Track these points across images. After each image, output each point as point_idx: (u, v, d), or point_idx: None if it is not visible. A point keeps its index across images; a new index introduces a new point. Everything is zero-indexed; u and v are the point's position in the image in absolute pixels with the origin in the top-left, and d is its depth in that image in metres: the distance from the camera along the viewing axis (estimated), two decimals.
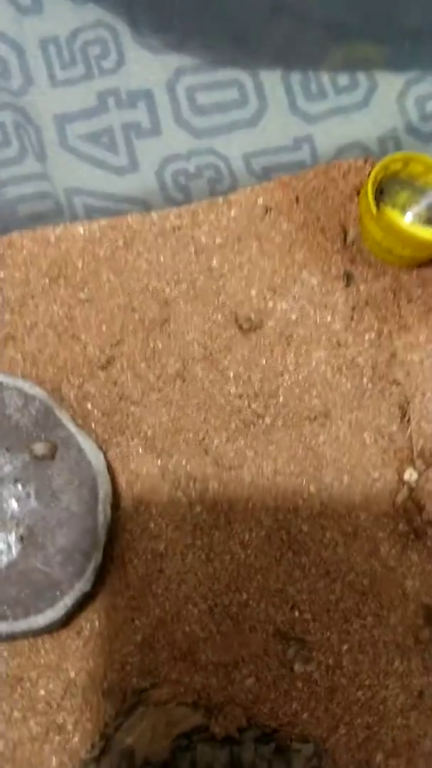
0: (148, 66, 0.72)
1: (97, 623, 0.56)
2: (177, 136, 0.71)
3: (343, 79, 0.74)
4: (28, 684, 0.54)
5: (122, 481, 0.59)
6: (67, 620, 0.54)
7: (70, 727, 0.54)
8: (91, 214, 0.68)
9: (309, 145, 0.72)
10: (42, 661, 0.54)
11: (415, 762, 0.58)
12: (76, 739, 0.54)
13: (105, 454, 0.58)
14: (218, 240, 0.64)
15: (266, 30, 0.73)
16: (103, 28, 0.71)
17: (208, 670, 0.57)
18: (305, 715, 0.57)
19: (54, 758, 0.53)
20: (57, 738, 0.54)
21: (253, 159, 0.72)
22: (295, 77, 0.74)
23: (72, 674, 0.54)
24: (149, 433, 0.60)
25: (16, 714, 0.53)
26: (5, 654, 0.54)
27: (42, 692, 0.54)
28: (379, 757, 0.58)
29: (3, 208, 0.64)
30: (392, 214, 0.64)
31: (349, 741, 0.57)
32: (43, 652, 0.55)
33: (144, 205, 0.69)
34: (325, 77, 0.74)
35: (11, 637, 0.52)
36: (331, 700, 0.57)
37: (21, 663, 0.54)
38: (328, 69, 0.74)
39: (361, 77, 0.74)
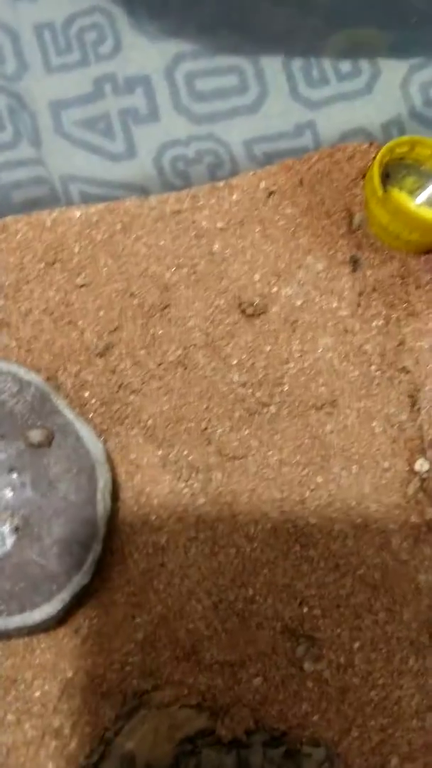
0: (145, 52, 0.70)
1: (95, 620, 0.53)
2: (176, 122, 0.69)
3: (346, 66, 0.73)
4: (22, 686, 0.51)
5: (122, 472, 0.56)
6: (64, 616, 0.51)
7: (67, 731, 0.51)
8: (87, 200, 0.66)
9: (311, 131, 0.70)
10: (37, 661, 0.51)
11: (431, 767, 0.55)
12: (73, 743, 0.51)
13: (104, 444, 0.55)
14: (220, 224, 0.61)
15: (266, 16, 0.72)
16: (100, 14, 0.69)
17: (213, 670, 0.54)
18: (316, 717, 0.54)
19: (50, 764, 0.50)
20: (53, 743, 0.50)
21: (254, 145, 0.70)
22: (297, 63, 0.72)
23: (69, 674, 0.51)
24: (150, 422, 0.57)
25: (9, 717, 0.50)
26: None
27: (37, 694, 0.51)
28: (395, 761, 0.54)
29: None
30: (400, 196, 0.62)
31: (363, 744, 0.54)
32: (38, 651, 0.52)
33: (142, 191, 0.67)
34: (327, 63, 0.73)
35: (5, 635, 0.49)
36: (343, 700, 0.54)
37: (15, 663, 0.51)
38: (329, 55, 0.72)
39: (364, 64, 0.73)
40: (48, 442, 0.52)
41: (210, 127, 0.70)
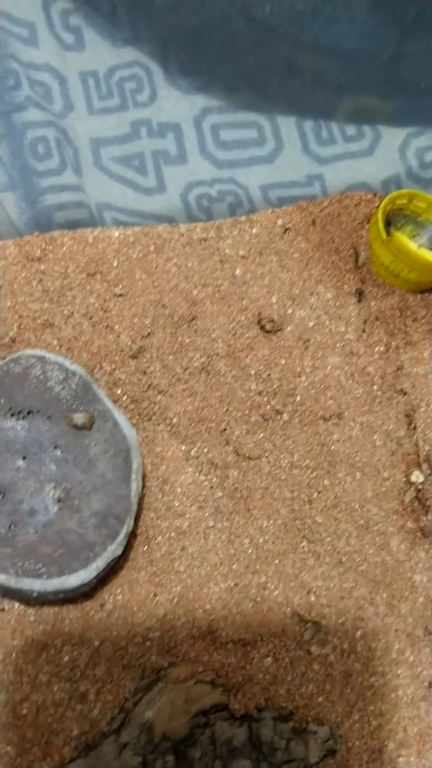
0: (177, 103, 0.79)
1: (120, 597, 0.57)
2: (201, 165, 0.77)
3: (351, 129, 0.83)
4: (52, 651, 0.55)
5: (148, 462, 0.61)
6: (91, 591, 0.55)
7: (92, 696, 0.55)
8: (121, 224, 0.72)
9: (320, 182, 0.79)
10: (66, 629, 0.55)
11: (424, 754, 0.59)
12: (96, 709, 0.54)
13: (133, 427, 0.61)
14: (241, 252, 0.69)
15: (283, 82, 0.82)
16: (139, 68, 0.78)
17: (227, 649, 0.58)
18: (320, 699, 0.59)
19: (75, 726, 0.54)
20: (79, 706, 0.54)
21: (269, 190, 0.78)
22: (308, 124, 0.81)
23: (96, 643, 0.56)
24: (174, 420, 0.63)
25: (41, 677, 0.54)
26: (32, 619, 0.55)
27: (66, 659, 0.55)
28: (391, 746, 0.59)
29: (42, 213, 0.69)
30: (403, 238, 0.70)
31: (363, 728, 0.59)
32: (67, 621, 0.56)
33: (170, 222, 0.74)
34: (335, 126, 0.82)
35: (42, 597, 0.54)
36: (346, 684, 0.59)
37: (46, 629, 0.55)
38: (337, 119, 0.82)
39: (366, 129, 0.82)
40: (89, 425, 0.57)
41: (231, 172, 0.79)
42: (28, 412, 0.58)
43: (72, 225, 0.72)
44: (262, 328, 0.68)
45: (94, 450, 0.58)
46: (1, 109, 0.72)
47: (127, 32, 0.79)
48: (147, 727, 0.55)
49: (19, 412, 0.58)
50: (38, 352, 0.60)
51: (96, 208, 0.73)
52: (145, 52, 0.80)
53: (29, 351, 0.60)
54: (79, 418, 0.58)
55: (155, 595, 0.59)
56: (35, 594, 0.54)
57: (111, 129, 0.77)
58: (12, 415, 0.57)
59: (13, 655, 0.54)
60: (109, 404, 0.59)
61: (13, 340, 0.62)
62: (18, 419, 0.57)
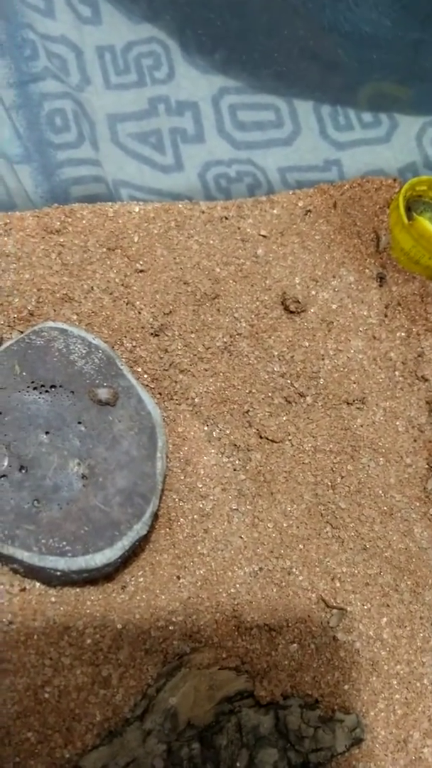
0: (195, 82, 0.78)
1: (142, 579, 0.56)
2: (219, 145, 0.76)
3: (368, 116, 0.82)
4: (75, 633, 0.53)
5: (169, 443, 0.60)
6: (120, 565, 0.54)
7: (115, 681, 0.53)
8: (138, 201, 0.71)
9: (337, 167, 0.78)
10: (88, 611, 0.54)
11: None
12: (119, 695, 0.53)
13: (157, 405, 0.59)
14: (263, 232, 0.68)
15: (301, 67, 0.81)
16: (156, 44, 0.76)
17: (251, 635, 0.57)
18: (346, 686, 0.57)
19: (98, 712, 0.52)
20: (102, 691, 0.52)
21: (287, 173, 0.77)
22: (326, 109, 0.81)
23: (119, 626, 0.54)
24: (196, 400, 0.61)
25: (63, 660, 0.52)
26: (53, 600, 0.53)
27: (89, 641, 0.53)
28: (417, 735, 0.58)
29: (58, 186, 0.67)
30: (425, 222, 0.69)
31: (388, 717, 0.58)
32: (89, 603, 0.54)
33: (187, 200, 0.72)
34: (352, 112, 0.82)
35: (66, 577, 0.52)
36: (372, 672, 0.58)
37: (68, 611, 0.53)
38: (355, 106, 0.81)
39: (383, 117, 0.82)
40: (113, 401, 0.55)
41: (249, 153, 0.77)
42: (51, 386, 0.56)
43: (89, 199, 0.70)
44: (286, 308, 0.66)
45: (119, 426, 0.56)
46: (18, 79, 0.70)
47: (144, 8, 0.78)
48: (171, 713, 0.53)
49: (41, 386, 0.56)
50: (60, 324, 0.58)
51: (113, 184, 0.72)
52: (163, 29, 0.78)
53: (51, 323, 0.58)
54: (103, 393, 0.56)
55: (178, 578, 0.57)
56: (59, 573, 0.52)
57: (128, 105, 0.75)
58: (35, 388, 0.55)
59: (35, 636, 0.52)
60: (133, 380, 0.58)
61: (32, 314, 0.60)
62: (41, 393, 0.55)
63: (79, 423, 0.56)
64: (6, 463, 0.54)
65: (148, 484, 0.56)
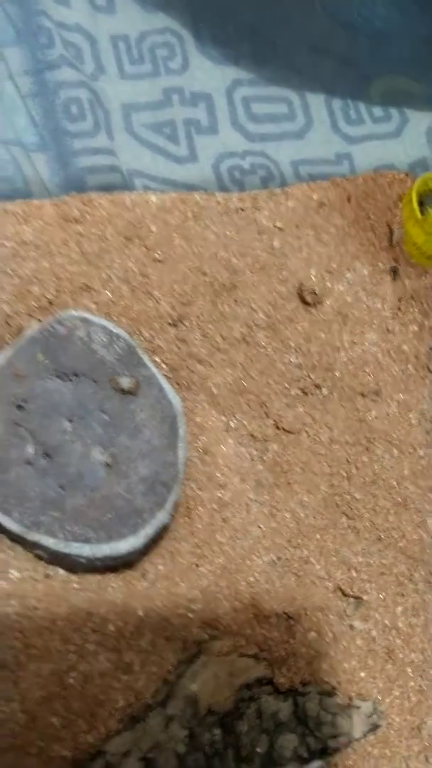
0: (208, 73, 0.79)
1: (161, 567, 0.57)
2: (233, 136, 0.77)
3: (378, 111, 0.83)
4: (98, 619, 0.54)
5: (188, 432, 0.60)
6: (144, 551, 0.54)
7: (137, 667, 0.54)
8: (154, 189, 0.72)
9: (349, 161, 0.80)
10: (110, 598, 0.55)
11: None
12: (141, 681, 0.54)
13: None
14: (278, 224, 0.69)
15: (313, 60, 0.82)
16: (170, 35, 0.77)
17: (270, 623, 0.58)
18: (363, 674, 0.59)
19: (121, 698, 0.53)
20: (124, 677, 0.53)
21: (300, 166, 0.78)
22: (337, 103, 0.82)
23: (140, 614, 0.55)
24: (214, 390, 0.62)
25: (88, 646, 0.53)
26: (76, 586, 0.54)
27: (112, 628, 0.54)
28: (430, 722, 0.59)
29: (74, 175, 0.68)
30: None
31: (402, 704, 0.59)
32: (110, 589, 0.55)
33: (202, 190, 0.73)
34: (363, 107, 0.83)
35: (90, 563, 0.53)
36: (387, 659, 0.59)
37: (91, 598, 0.54)
38: (366, 100, 0.82)
39: (394, 111, 0.83)
40: (135, 390, 0.56)
41: (262, 145, 0.78)
42: (74, 374, 0.57)
43: (104, 189, 0.71)
44: (303, 300, 0.67)
45: (140, 416, 0.57)
46: (34, 67, 0.71)
47: None
48: (192, 700, 0.54)
49: (64, 374, 0.56)
50: (82, 313, 0.59)
51: (128, 174, 0.72)
52: (177, 19, 0.79)
53: (72, 312, 0.59)
54: (125, 382, 0.57)
55: (197, 566, 0.58)
56: (83, 560, 0.53)
57: (142, 95, 0.76)
58: (57, 376, 0.56)
59: (59, 622, 0.53)
60: (154, 370, 0.59)
61: (51, 302, 0.61)
62: (63, 381, 0.56)
63: (102, 411, 0.57)
64: (31, 450, 0.55)
65: (170, 472, 0.57)
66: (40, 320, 0.60)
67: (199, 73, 0.80)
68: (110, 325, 0.59)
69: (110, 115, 0.75)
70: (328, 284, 0.70)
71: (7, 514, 0.54)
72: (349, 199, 0.74)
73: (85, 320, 0.59)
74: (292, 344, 0.67)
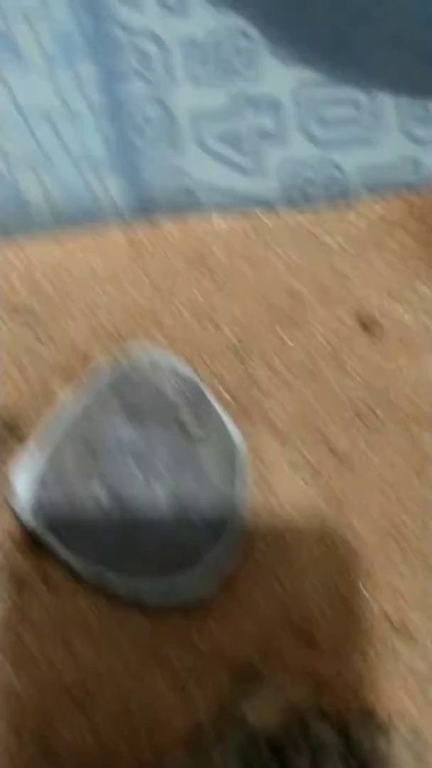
0: (277, 75, 0.78)
1: (222, 602, 0.60)
2: (300, 144, 0.76)
3: None
4: (161, 652, 0.57)
5: (248, 465, 0.63)
6: (204, 586, 0.58)
7: (193, 689, 0.58)
8: (217, 207, 0.72)
9: (419, 166, 0.78)
10: (174, 632, 0.58)
11: None
12: (200, 709, 0.58)
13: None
14: (342, 242, 0.69)
15: (384, 59, 0.80)
16: (241, 35, 0.76)
17: (320, 649, 0.61)
18: (406, 698, 0.62)
19: (181, 725, 0.57)
20: (184, 706, 0.57)
21: (367, 173, 0.78)
22: (407, 103, 0.80)
23: (201, 646, 0.58)
24: (274, 420, 0.65)
25: (150, 677, 0.56)
26: (140, 620, 0.57)
27: (174, 660, 0.58)
28: None
29: (144, 194, 0.69)
30: None
31: None
32: (175, 624, 0.59)
33: (266, 205, 0.73)
34: None
35: (155, 599, 0.56)
36: (430, 684, 0.62)
37: (155, 631, 0.58)
38: None
39: None
40: (201, 433, 0.58)
41: (330, 152, 0.78)
42: (140, 415, 0.59)
43: (173, 207, 0.72)
44: (363, 324, 0.68)
45: (205, 458, 0.60)
46: (105, 79, 0.71)
47: None
48: (246, 725, 0.59)
49: (133, 416, 0.59)
50: (150, 351, 0.61)
51: (196, 189, 0.73)
52: (248, 18, 0.78)
53: (141, 350, 0.61)
54: (192, 424, 0.59)
55: (257, 600, 0.62)
56: (148, 596, 0.57)
57: (211, 102, 0.76)
58: (127, 419, 0.59)
59: (125, 652, 0.57)
60: (220, 410, 0.61)
61: (121, 335, 0.63)
62: (132, 423, 0.59)
63: (168, 454, 0.60)
64: (99, 490, 0.58)
65: (231, 511, 0.60)
66: (111, 358, 0.62)
67: (267, 76, 0.79)
68: (178, 365, 0.62)
69: (180, 128, 0.75)
70: (390, 308, 0.70)
71: (73, 550, 0.58)
72: (415, 215, 0.73)
73: (153, 359, 0.61)
74: (351, 370, 0.68)
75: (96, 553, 0.58)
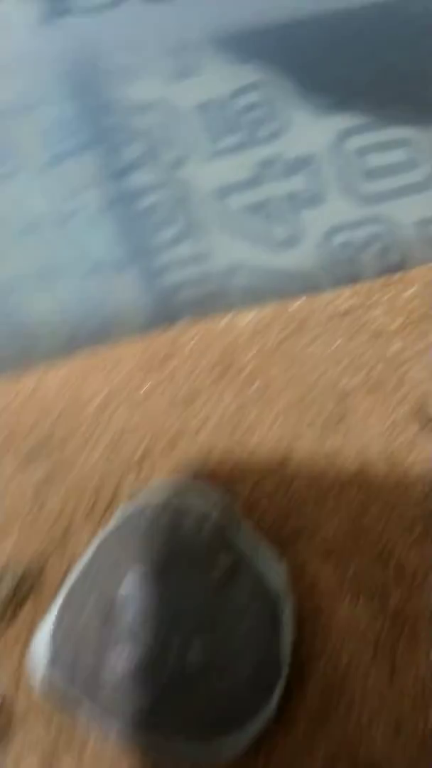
0: (311, 128, 0.69)
1: (270, 754, 0.53)
2: (342, 204, 0.68)
3: None
4: None
5: (298, 589, 0.56)
6: (251, 743, 0.52)
7: None
8: (253, 292, 0.65)
9: None
10: None
11: None
12: None
13: (281, 560, 0.55)
14: (396, 322, 0.60)
15: None
16: (265, 89, 0.68)
17: None
18: None
19: None
20: None
21: (426, 226, 0.67)
22: None
23: None
24: (326, 539, 0.57)
25: None
26: None
27: None
28: None
29: (164, 293, 0.62)
30: None
31: None
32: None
33: (308, 282, 0.66)
34: None
35: (194, 758, 0.51)
36: None
37: None
38: None
39: None
40: (230, 576, 0.52)
41: (378, 208, 0.68)
42: (165, 565, 0.53)
43: (198, 303, 0.65)
44: (425, 420, 0.59)
45: (240, 601, 0.53)
46: (110, 172, 0.65)
47: (248, 46, 0.69)
48: None
49: (156, 562, 0.53)
50: (169, 486, 0.55)
51: (224, 275, 0.66)
52: (270, 66, 0.69)
53: (158, 487, 0.55)
54: (220, 568, 0.53)
55: (311, 746, 0.55)
56: (187, 756, 0.52)
57: (236, 173, 0.68)
58: (150, 565, 0.53)
59: None
60: (252, 542, 0.54)
61: (143, 458, 0.57)
62: (155, 575, 0.53)
63: (198, 601, 0.54)
64: (132, 651, 0.53)
65: (275, 660, 0.54)
66: (131, 494, 0.57)
67: (299, 131, 0.71)
68: (206, 496, 0.55)
69: (200, 207, 0.68)
70: None
71: (108, 713, 0.53)
72: None
73: (171, 497, 0.55)
74: (414, 474, 0.60)
75: (132, 717, 0.53)
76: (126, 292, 0.65)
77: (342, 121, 0.71)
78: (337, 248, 0.69)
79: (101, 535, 0.55)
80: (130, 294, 0.65)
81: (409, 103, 0.72)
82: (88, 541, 0.57)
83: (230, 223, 0.69)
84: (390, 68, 0.71)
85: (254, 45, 0.70)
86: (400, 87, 0.71)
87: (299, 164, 0.70)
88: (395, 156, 0.71)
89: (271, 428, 0.61)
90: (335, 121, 0.71)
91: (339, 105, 0.71)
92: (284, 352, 0.63)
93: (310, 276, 0.68)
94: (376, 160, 0.71)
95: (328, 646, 0.58)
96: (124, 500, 0.58)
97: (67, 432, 0.61)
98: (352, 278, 0.68)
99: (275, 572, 0.55)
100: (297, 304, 0.64)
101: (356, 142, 0.71)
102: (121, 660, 0.53)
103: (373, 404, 0.61)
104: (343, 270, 0.68)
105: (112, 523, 0.55)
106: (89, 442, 0.60)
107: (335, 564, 0.59)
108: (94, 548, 0.55)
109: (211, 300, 0.67)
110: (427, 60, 0.70)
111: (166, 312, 0.66)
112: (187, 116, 0.71)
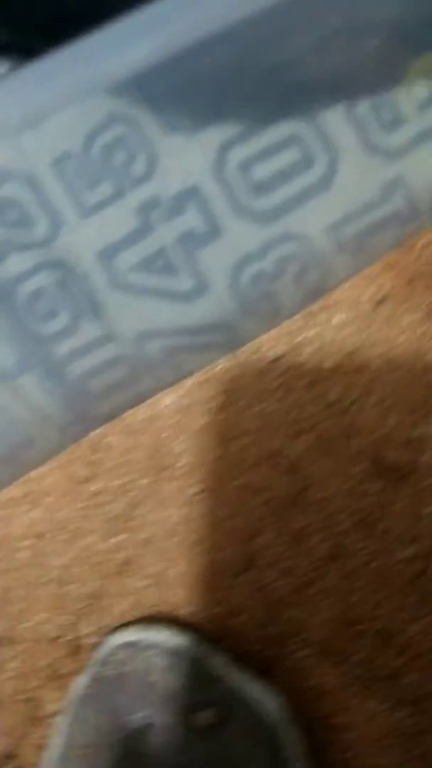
0: (184, 154, 0.59)
1: None
2: (240, 231, 0.58)
3: (422, 92, 0.60)
4: None
5: (303, 700, 0.49)
6: None
7: None
8: (172, 355, 0.56)
9: (401, 188, 0.59)
10: None
11: None
12: None
13: (273, 673, 0.48)
14: (330, 362, 0.51)
15: (317, 61, 0.59)
16: (121, 123, 0.57)
17: None
18: None
19: None
20: None
21: (338, 229, 0.58)
22: (365, 108, 0.59)
23: None
24: (316, 635, 0.49)
25: None
26: None
27: None
28: None
29: (73, 389, 0.53)
30: None
31: None
32: None
33: (227, 331, 0.57)
34: (402, 95, 0.60)
35: None
36: None
37: None
38: (401, 88, 0.59)
39: None
40: (219, 719, 0.44)
41: (281, 224, 0.59)
42: (139, 724, 0.46)
43: (112, 389, 0.56)
44: (387, 473, 0.51)
45: (234, 745, 0.46)
46: None
47: (91, 72, 0.58)
48: None
49: (127, 727, 0.46)
50: (127, 636, 0.47)
51: (134, 348, 0.57)
52: (120, 92, 0.59)
53: (116, 638, 0.47)
54: (202, 716, 0.46)
55: None
56: None
57: (116, 229, 0.59)
58: (123, 736, 0.46)
59: None
60: (238, 675, 0.47)
61: (96, 597, 0.49)
62: (129, 737, 0.46)
63: (187, 759, 0.46)
64: None
65: None
66: (89, 655, 0.49)
67: (173, 161, 0.60)
68: (165, 637, 0.48)
69: (87, 278, 0.59)
70: (416, 431, 0.53)
71: None
72: (412, 281, 0.55)
73: (131, 645, 0.48)
74: (394, 536, 0.52)
75: None
76: (33, 392, 0.56)
77: (217, 134, 0.61)
78: (248, 284, 0.59)
79: (62, 714, 0.47)
80: (38, 395, 0.56)
81: (289, 92, 0.61)
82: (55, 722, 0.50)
83: (125, 286, 0.60)
84: (258, 62, 0.61)
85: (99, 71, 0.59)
86: (274, 76, 0.61)
87: (182, 198, 0.60)
88: (285, 158, 0.61)
89: (226, 527, 0.52)
90: (209, 137, 0.60)
91: (208, 117, 0.61)
92: (216, 433, 0.54)
93: (227, 322, 0.59)
94: (264, 168, 0.61)
95: (348, 756, 0.51)
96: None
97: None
98: (274, 312, 0.59)
99: (272, 702, 0.48)
100: (215, 372, 0.55)
101: (238, 153, 0.61)
102: None
103: (328, 468, 0.53)
104: (262, 306, 0.59)
105: (71, 699, 0.48)
106: (24, 599, 0.52)
107: (334, 661, 0.53)
108: (61, 722, 0.47)
109: (127, 382, 0.58)
110: (301, 41, 0.60)
111: (80, 405, 0.57)
112: (42, 178, 0.60)
